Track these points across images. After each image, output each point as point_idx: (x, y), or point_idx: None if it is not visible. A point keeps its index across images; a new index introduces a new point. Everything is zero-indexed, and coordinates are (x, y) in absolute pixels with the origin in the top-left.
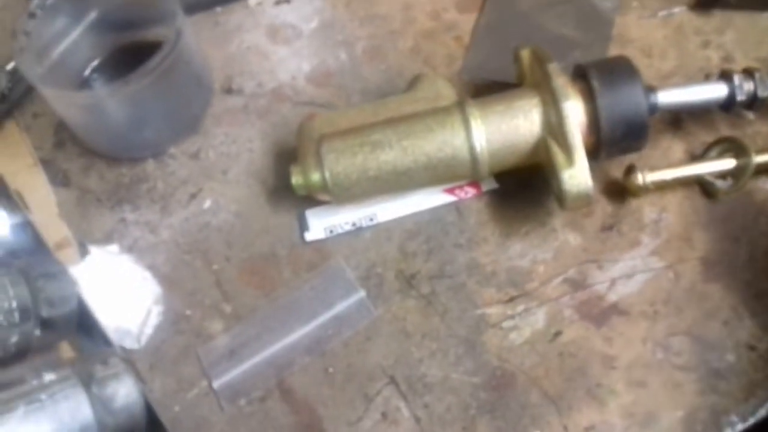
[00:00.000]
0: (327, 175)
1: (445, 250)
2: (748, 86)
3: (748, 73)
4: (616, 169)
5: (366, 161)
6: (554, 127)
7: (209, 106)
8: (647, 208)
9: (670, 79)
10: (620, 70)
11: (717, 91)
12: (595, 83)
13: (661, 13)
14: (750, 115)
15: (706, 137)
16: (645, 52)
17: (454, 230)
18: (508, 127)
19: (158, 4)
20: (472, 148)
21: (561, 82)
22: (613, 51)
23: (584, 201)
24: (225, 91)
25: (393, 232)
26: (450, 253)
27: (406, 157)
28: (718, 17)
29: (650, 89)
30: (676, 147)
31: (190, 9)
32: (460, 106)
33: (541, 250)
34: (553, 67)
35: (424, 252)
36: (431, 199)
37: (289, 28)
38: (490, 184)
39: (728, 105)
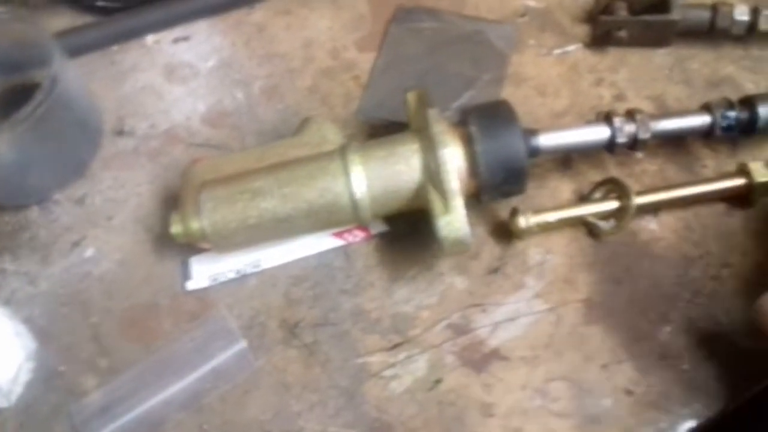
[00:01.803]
0: (205, 223)
1: (330, 297)
2: (629, 128)
3: (630, 115)
4: (504, 210)
5: (246, 209)
6: (433, 174)
7: (98, 150)
8: (533, 250)
9: (562, 118)
10: (500, 115)
11: (598, 133)
12: (473, 129)
13: (557, 51)
14: (638, 154)
15: (595, 177)
16: (539, 90)
17: (341, 275)
18: (389, 173)
19: (37, 47)
20: (352, 195)
21: (439, 128)
22: (509, 89)
23: (461, 248)
24: (116, 133)
25: (278, 279)
26: (335, 300)
27: (287, 204)
28: (612, 55)
29: (530, 133)
30: (565, 187)
31: (85, 48)
32: (342, 151)
33: (426, 295)
34: (432, 113)
35: (310, 299)
36: (319, 243)
37: (186, 67)
38: (379, 227)
39: (611, 147)
